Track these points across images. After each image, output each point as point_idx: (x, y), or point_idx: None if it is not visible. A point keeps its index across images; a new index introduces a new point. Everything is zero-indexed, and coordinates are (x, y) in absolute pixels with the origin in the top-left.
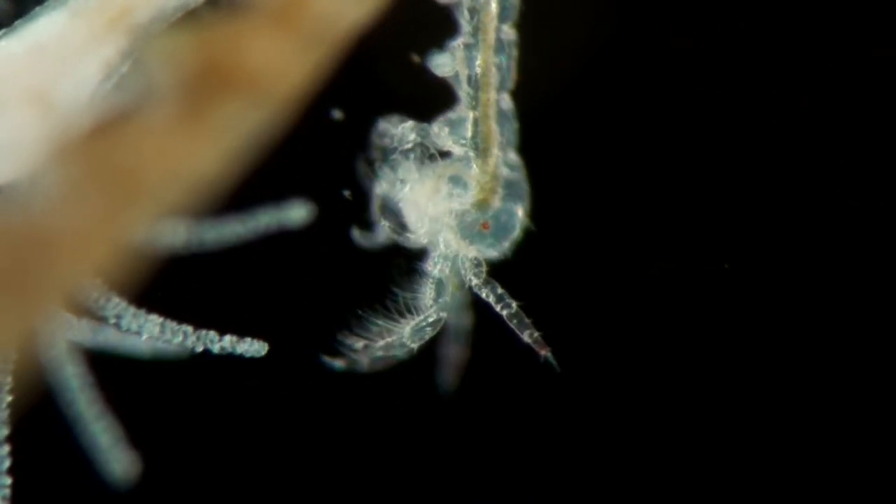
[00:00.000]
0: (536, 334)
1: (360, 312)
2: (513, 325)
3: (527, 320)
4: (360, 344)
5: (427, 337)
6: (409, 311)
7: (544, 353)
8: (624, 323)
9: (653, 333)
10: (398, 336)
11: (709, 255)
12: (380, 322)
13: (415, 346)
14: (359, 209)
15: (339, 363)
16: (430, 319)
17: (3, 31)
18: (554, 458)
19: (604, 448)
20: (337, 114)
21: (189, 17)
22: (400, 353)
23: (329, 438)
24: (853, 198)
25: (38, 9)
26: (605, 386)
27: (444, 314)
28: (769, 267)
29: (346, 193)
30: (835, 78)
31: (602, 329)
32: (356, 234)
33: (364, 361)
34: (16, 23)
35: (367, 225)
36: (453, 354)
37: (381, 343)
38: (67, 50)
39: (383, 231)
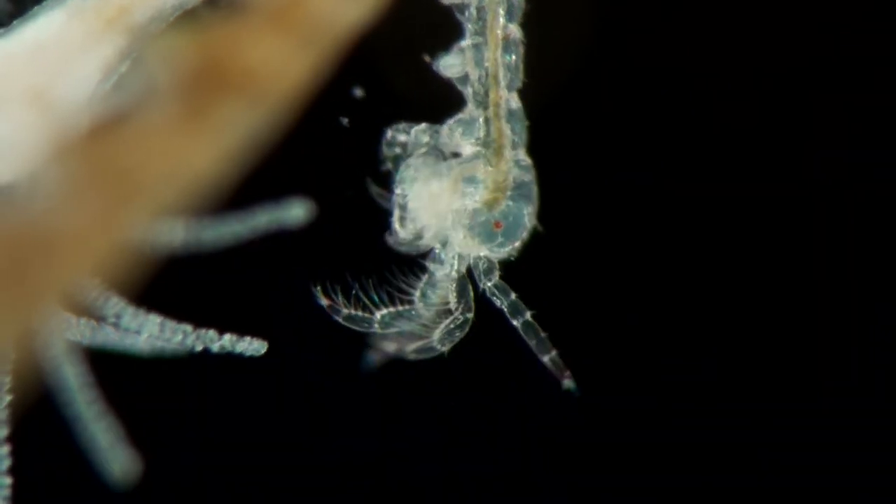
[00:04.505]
0: (555, 354)
1: (386, 315)
2: (529, 341)
3: (543, 335)
4: (392, 347)
5: (457, 339)
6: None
7: (567, 381)
8: (632, 324)
9: (660, 334)
10: (428, 341)
11: (718, 256)
12: (409, 327)
13: (446, 349)
14: (361, 209)
15: (373, 359)
16: (459, 321)
17: (2, 30)
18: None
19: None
20: (345, 121)
21: (188, 17)
22: (429, 356)
23: (328, 437)
24: (854, 195)
25: (36, 8)
26: (612, 388)
27: (470, 314)
28: (776, 268)
29: (349, 193)
30: (832, 78)
31: (609, 330)
32: (390, 238)
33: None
34: (14, 22)
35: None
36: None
37: (412, 347)
38: (66, 49)
39: (403, 236)
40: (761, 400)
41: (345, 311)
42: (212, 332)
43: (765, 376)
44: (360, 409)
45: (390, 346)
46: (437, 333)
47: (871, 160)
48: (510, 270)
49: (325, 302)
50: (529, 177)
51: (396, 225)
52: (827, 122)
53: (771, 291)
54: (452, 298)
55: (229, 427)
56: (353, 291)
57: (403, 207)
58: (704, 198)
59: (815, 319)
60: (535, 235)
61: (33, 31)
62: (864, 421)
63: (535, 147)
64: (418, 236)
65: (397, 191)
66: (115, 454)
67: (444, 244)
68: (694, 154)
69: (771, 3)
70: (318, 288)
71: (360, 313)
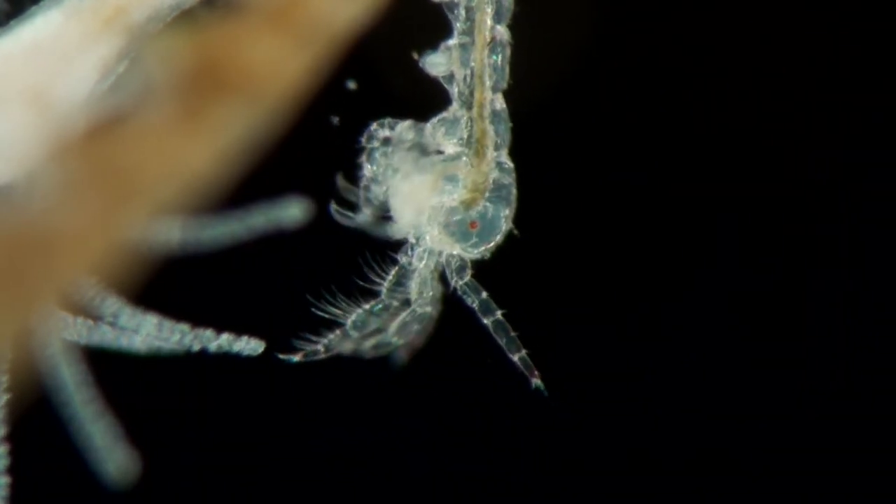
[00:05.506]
0: (524, 353)
1: (340, 308)
2: (499, 339)
3: (513, 334)
4: (347, 345)
5: (413, 333)
6: (392, 306)
7: (535, 380)
8: (611, 330)
9: (639, 341)
10: (384, 334)
11: (700, 261)
12: (364, 319)
13: (401, 342)
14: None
15: (297, 356)
16: (416, 314)
17: None
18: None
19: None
20: (335, 119)
21: (185, 17)
22: (387, 350)
23: (327, 437)
24: (850, 196)
25: (33, 8)
26: (586, 394)
27: (428, 309)
28: (763, 270)
29: (335, 120)
30: (828, 78)
31: (587, 336)
32: (334, 210)
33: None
34: (11, 22)
35: (349, 205)
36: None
37: (369, 343)
38: (64, 49)
39: (363, 216)
40: (750, 402)
41: (319, 347)
42: (209, 332)
43: (759, 376)
44: (359, 409)
45: (347, 346)
46: (393, 326)
47: (868, 160)
48: (496, 272)
49: (298, 358)
50: (509, 179)
51: (361, 206)
52: (823, 122)
53: (761, 291)
54: (414, 291)
55: (227, 427)
56: (322, 312)
57: (370, 189)
58: (690, 198)
59: (810, 321)
60: (514, 238)
61: (31, 31)
62: (860, 423)
63: (521, 149)
64: (376, 221)
65: (367, 173)
66: (112, 454)
67: (419, 239)
68: (680, 155)
69: (759, 4)
70: (286, 354)
71: (333, 336)
